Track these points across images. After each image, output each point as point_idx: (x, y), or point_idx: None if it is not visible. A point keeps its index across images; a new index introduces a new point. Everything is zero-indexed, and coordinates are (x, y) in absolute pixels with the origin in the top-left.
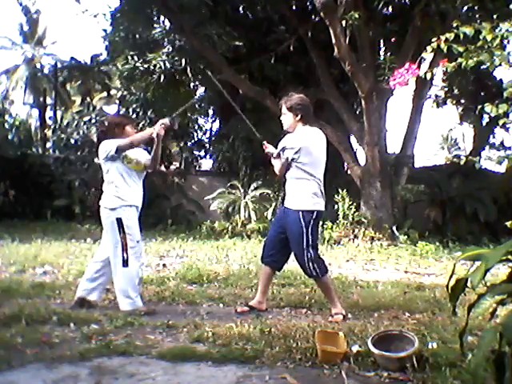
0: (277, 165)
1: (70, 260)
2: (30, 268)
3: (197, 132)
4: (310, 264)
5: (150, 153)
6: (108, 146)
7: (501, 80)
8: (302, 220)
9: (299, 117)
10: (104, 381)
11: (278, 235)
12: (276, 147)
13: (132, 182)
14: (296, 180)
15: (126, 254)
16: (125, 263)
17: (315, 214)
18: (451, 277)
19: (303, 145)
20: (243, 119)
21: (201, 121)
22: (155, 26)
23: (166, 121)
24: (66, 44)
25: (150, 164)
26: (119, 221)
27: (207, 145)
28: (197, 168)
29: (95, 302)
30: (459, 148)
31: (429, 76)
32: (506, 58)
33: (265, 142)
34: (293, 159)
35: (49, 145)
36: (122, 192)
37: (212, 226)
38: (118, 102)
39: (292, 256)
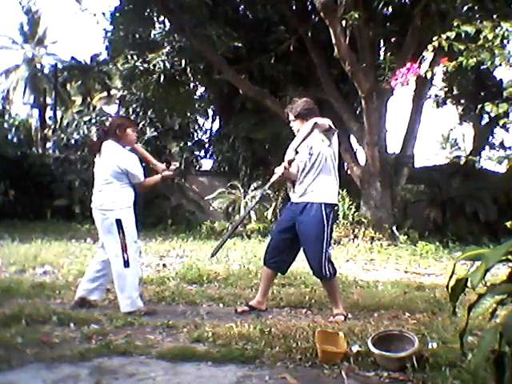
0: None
1: (70, 260)
2: (30, 268)
3: (197, 132)
4: (326, 264)
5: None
6: (136, 170)
7: (501, 80)
8: (324, 217)
9: (297, 118)
10: (104, 381)
11: (283, 241)
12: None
13: (129, 183)
14: (324, 174)
15: (127, 254)
16: (126, 264)
17: (333, 208)
18: (451, 277)
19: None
20: (243, 119)
21: (201, 121)
22: (155, 25)
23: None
24: (66, 44)
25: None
26: (119, 222)
27: (207, 145)
28: (197, 168)
29: (95, 301)
30: (459, 148)
31: (429, 75)
32: (506, 58)
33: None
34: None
35: (49, 145)
36: (122, 193)
37: (212, 226)
38: (117, 101)
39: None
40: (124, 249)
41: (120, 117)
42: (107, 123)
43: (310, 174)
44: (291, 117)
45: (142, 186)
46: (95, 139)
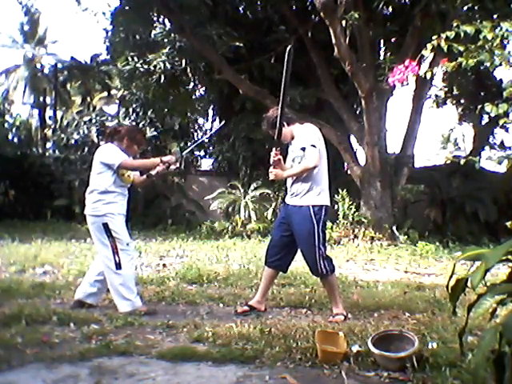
0: (298, 169)
1: (69, 260)
2: (30, 268)
3: (197, 132)
4: (321, 262)
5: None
6: (113, 155)
7: (501, 80)
8: (313, 217)
9: (286, 125)
10: (104, 381)
11: (281, 238)
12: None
13: (120, 190)
14: (307, 176)
15: (118, 256)
16: (118, 266)
17: (324, 209)
18: (451, 277)
19: (319, 140)
20: (243, 119)
21: (201, 121)
22: (155, 26)
23: (173, 159)
24: (66, 44)
25: (137, 182)
26: (105, 226)
27: (207, 145)
28: (197, 168)
29: (94, 304)
30: (459, 148)
31: (429, 76)
32: (506, 58)
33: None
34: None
35: (49, 145)
36: (109, 199)
37: (212, 226)
38: (117, 101)
39: (296, 255)
40: (115, 251)
41: (139, 130)
42: (121, 128)
43: (300, 176)
44: (270, 132)
45: (129, 165)
46: (104, 137)
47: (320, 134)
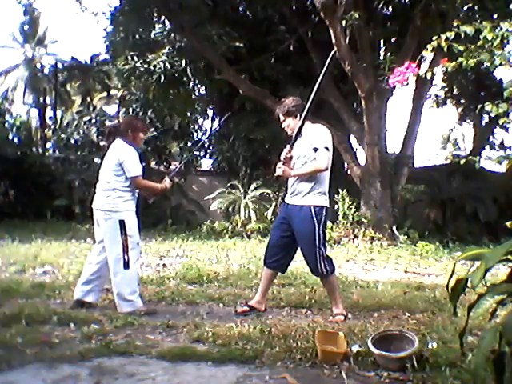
0: (308, 169)
1: (69, 260)
2: (30, 268)
3: (197, 132)
4: (322, 262)
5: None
6: (134, 166)
7: (501, 80)
8: (314, 217)
9: (299, 117)
10: (104, 381)
11: (280, 239)
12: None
13: (131, 186)
14: (310, 176)
15: (127, 255)
16: (126, 265)
17: (325, 210)
18: (451, 277)
19: (331, 143)
20: (243, 119)
21: (201, 121)
22: (155, 26)
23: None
24: (66, 44)
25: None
26: (122, 223)
27: (207, 145)
28: (197, 168)
29: (94, 302)
30: (459, 148)
31: (429, 75)
32: (506, 58)
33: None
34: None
35: (49, 145)
36: (127, 196)
37: (212, 226)
38: (118, 101)
39: (296, 255)
40: (125, 250)
41: (136, 118)
42: (123, 122)
43: (303, 176)
44: (281, 117)
45: (138, 183)
46: (106, 134)
47: (331, 136)
